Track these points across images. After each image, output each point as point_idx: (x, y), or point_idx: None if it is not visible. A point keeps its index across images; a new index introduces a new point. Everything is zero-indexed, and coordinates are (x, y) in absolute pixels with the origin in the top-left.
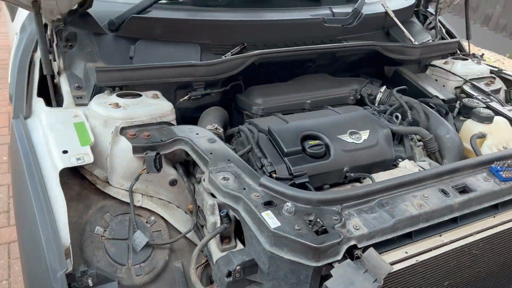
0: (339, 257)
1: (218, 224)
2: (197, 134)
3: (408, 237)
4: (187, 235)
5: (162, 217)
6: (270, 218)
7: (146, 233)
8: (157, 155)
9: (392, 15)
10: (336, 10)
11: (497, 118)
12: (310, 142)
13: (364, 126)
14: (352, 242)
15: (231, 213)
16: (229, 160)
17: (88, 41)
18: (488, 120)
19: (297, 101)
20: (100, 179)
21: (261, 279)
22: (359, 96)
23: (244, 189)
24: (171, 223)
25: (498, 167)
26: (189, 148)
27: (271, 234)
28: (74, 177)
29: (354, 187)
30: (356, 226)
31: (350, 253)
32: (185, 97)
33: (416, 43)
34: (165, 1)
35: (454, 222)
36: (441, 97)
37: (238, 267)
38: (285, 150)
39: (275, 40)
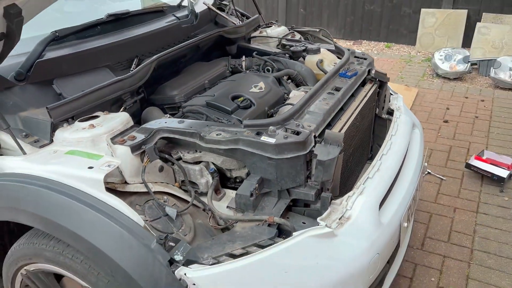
0: (313, 143)
1: (211, 181)
2: (165, 122)
3: (329, 125)
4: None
5: (170, 194)
6: (268, 139)
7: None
8: (154, 144)
9: (214, 8)
10: (178, 15)
11: (321, 49)
12: (238, 100)
13: (258, 80)
14: (313, 134)
15: (214, 167)
16: (207, 125)
17: (3, 98)
18: (319, 51)
19: (199, 84)
20: (116, 183)
21: (269, 188)
22: (231, 68)
23: (236, 133)
24: (179, 196)
25: (343, 72)
26: (170, 133)
27: (275, 146)
28: None
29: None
30: (308, 125)
31: (315, 141)
32: (122, 109)
33: (238, 23)
34: (54, 42)
35: (342, 110)
36: (279, 51)
37: (257, 185)
38: (229, 109)
39: (156, 47)
